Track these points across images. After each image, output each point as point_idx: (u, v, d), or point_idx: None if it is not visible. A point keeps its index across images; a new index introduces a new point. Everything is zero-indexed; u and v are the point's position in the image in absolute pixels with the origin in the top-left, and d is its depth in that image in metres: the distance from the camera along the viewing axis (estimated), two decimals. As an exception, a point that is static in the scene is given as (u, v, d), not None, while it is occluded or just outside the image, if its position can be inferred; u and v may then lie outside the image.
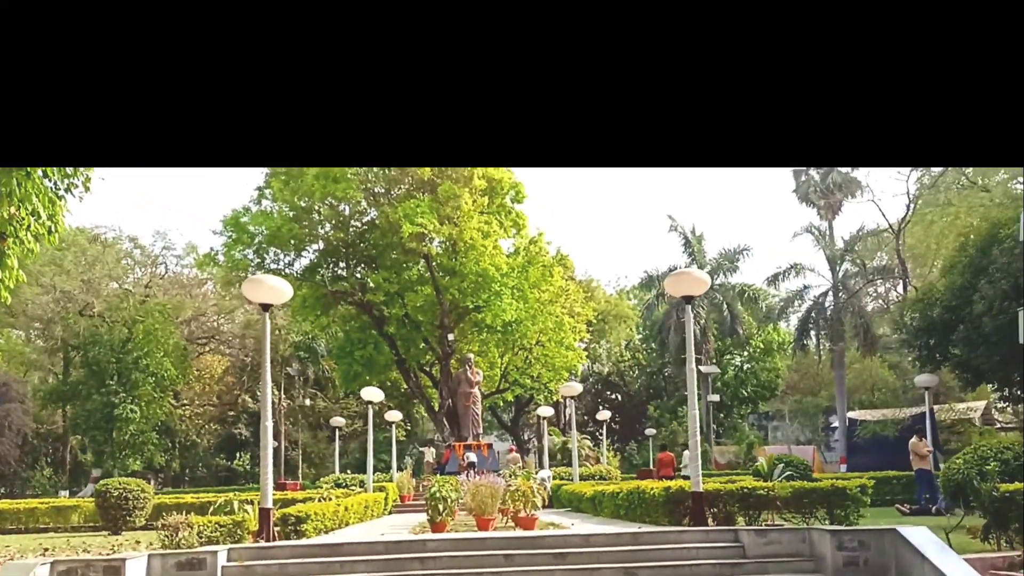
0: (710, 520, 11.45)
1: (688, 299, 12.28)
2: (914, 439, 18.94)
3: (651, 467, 32.76)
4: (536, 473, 21.85)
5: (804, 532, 10.31)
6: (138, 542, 13.05)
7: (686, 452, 27.86)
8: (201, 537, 10.52)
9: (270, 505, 11.11)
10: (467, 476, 14.55)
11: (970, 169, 36.97)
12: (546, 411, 31.02)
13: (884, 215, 39.02)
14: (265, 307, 11.52)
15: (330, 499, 17.13)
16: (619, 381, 62.13)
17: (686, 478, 23.09)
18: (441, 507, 12.45)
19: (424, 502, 20.84)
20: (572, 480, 22.66)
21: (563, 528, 12.65)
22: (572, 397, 23.30)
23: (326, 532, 13.79)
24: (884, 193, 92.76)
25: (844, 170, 47.23)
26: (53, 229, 9.59)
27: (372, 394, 22.34)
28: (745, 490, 11.53)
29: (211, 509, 13.06)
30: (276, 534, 11.37)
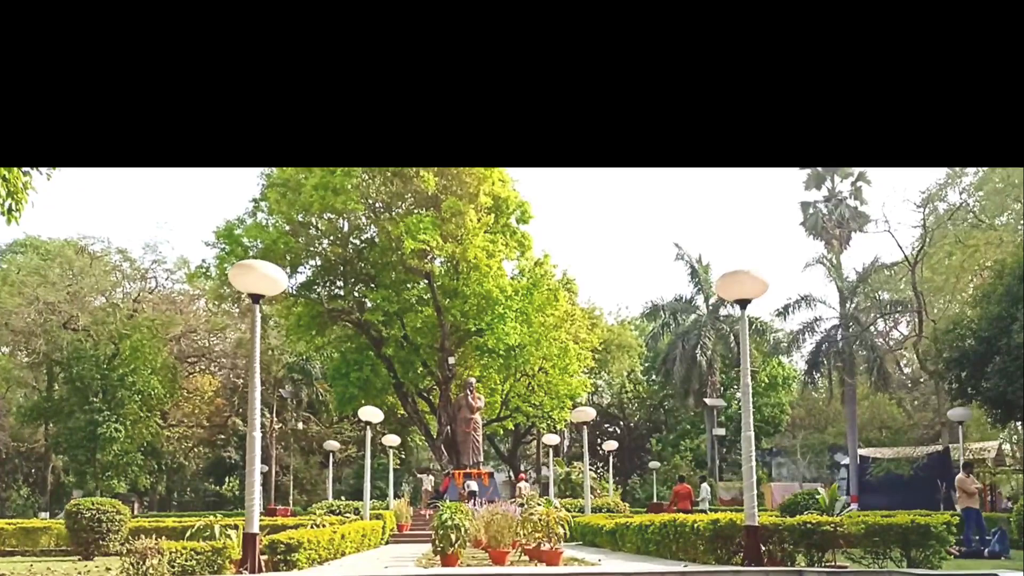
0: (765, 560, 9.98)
1: (743, 304, 10.82)
2: (961, 475, 17.44)
3: (658, 500, 31.08)
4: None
5: (883, 576, 8.85)
6: (108, 569, 11.47)
7: (704, 485, 26.29)
8: (174, 566, 8.99)
9: (256, 530, 9.55)
10: (473, 505, 13.06)
11: (977, 205, 36.02)
12: (551, 439, 29.44)
13: (900, 246, 36.99)
14: (255, 298, 10.10)
15: (324, 526, 15.55)
16: (619, 413, 60.50)
17: (703, 511, 21.56)
18: (453, 537, 10.88)
19: (424, 532, 19.24)
20: (584, 512, 21.02)
21: (592, 565, 11.13)
22: (585, 423, 21.71)
23: (320, 563, 12.23)
24: (900, 224, 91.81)
25: (852, 204, 46.23)
26: (14, 207, 8.44)
27: (370, 414, 20.79)
28: (808, 525, 10.03)
29: (188, 534, 11.50)
30: (263, 564, 9.84)
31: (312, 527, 15.16)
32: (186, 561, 9.15)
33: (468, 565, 11.33)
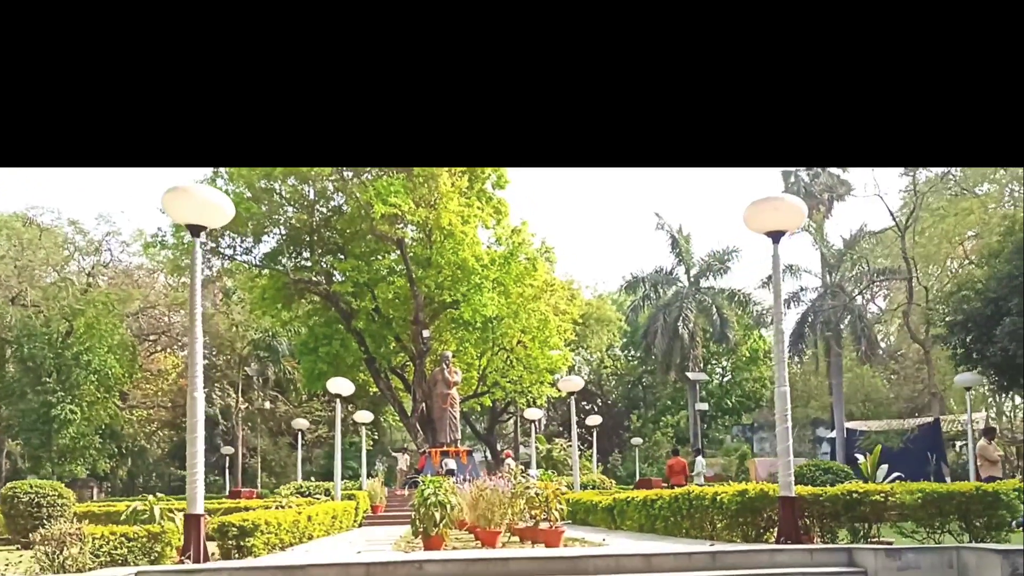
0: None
1: (776, 237, 9.18)
2: (982, 442, 16.17)
3: (645, 477, 29.70)
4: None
5: (953, 552, 7.38)
6: (19, 560, 9.74)
7: (699, 458, 24.92)
8: (100, 555, 7.30)
9: (200, 511, 7.84)
10: (456, 482, 11.50)
11: (959, 173, 35.09)
12: (534, 413, 27.94)
13: (891, 212, 35.83)
14: (195, 231, 8.40)
15: (289, 507, 13.91)
16: (597, 390, 59.30)
17: (699, 486, 20.23)
18: (438, 516, 9.25)
19: (401, 513, 17.78)
20: (573, 488, 19.49)
21: (597, 546, 9.61)
22: (572, 393, 20.16)
23: (283, 548, 10.59)
24: (891, 188, 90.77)
25: (835, 171, 45.08)
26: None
27: (340, 386, 19.09)
28: (854, 495, 8.55)
29: (123, 516, 9.79)
30: (211, 551, 8.19)
31: (276, 509, 13.52)
32: (115, 549, 7.48)
33: (454, 548, 9.78)
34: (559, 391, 42.49)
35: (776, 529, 8.73)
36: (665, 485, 21.14)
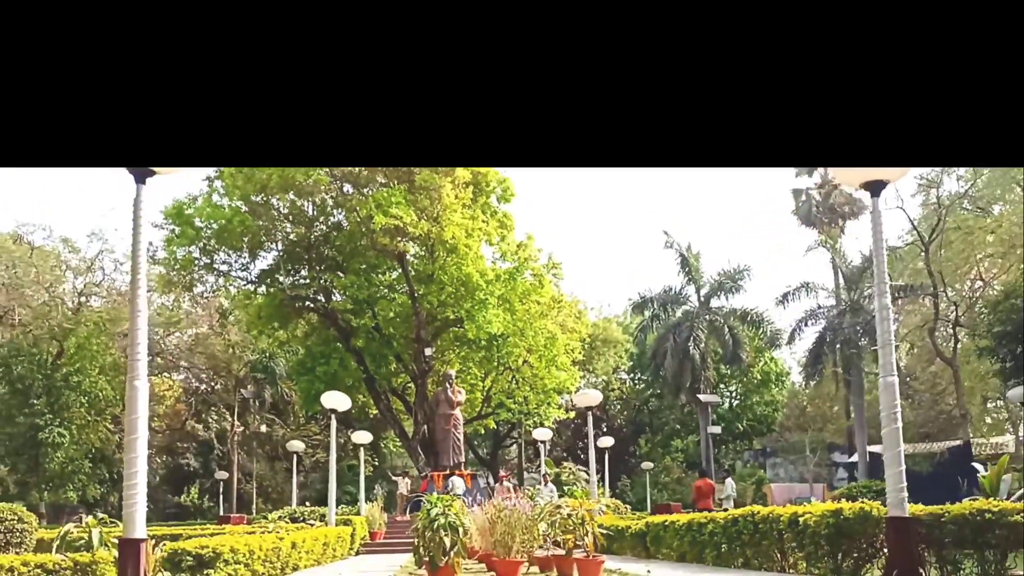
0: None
1: (875, 190, 7.38)
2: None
3: (666, 502, 28.00)
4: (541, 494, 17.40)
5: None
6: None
7: (728, 480, 23.31)
8: (18, 590, 5.85)
9: (141, 535, 6.28)
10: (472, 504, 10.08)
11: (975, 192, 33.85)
12: (544, 433, 26.41)
13: (914, 225, 34.44)
14: (139, 177, 6.77)
15: (277, 533, 12.41)
16: (602, 415, 57.67)
17: (724, 510, 18.65)
18: (448, 542, 7.74)
19: (401, 540, 16.30)
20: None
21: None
22: (590, 408, 18.62)
23: (259, 581, 9.11)
24: (914, 201, 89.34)
25: (848, 189, 43.79)
26: None
27: (335, 400, 17.61)
28: (986, 516, 6.91)
29: (55, 544, 8.29)
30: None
31: (260, 535, 12.03)
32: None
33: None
34: (566, 412, 41.02)
35: (882, 561, 7.06)
36: (685, 511, 19.56)
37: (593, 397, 18.57)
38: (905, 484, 6.68)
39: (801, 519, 7.94)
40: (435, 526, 7.70)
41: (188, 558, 7.16)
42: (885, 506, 7.09)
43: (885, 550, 7.24)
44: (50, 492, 38.90)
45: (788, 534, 8.15)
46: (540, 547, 9.35)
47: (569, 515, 8.32)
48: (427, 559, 7.97)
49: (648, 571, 9.17)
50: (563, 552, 8.48)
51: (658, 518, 13.50)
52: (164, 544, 7.24)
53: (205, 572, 7.20)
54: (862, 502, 8.00)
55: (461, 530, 7.78)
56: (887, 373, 7.08)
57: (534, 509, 8.77)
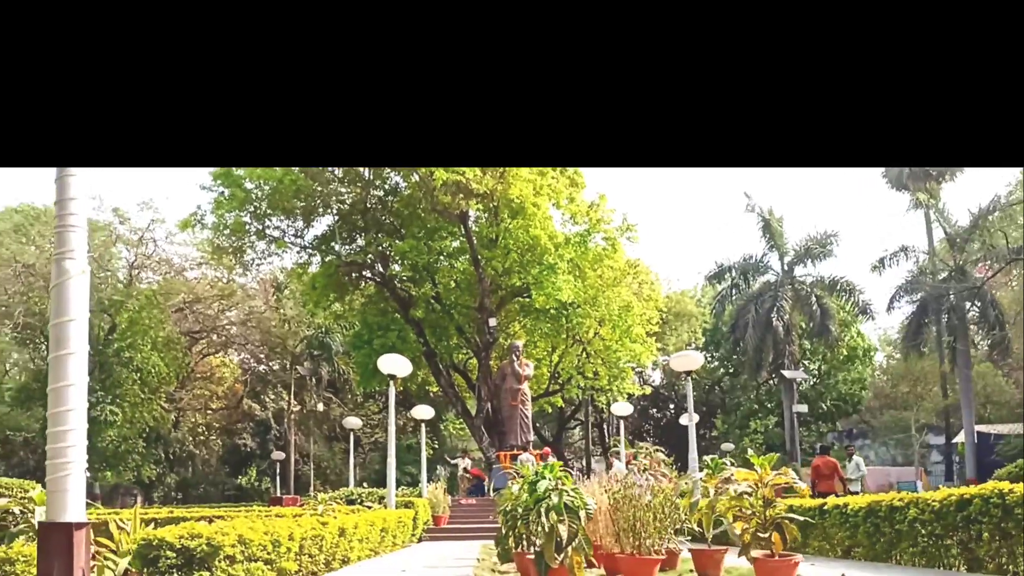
0: None
1: None
2: None
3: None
4: (611, 469, 15.01)
5: None
6: None
7: (856, 458, 20.34)
8: None
9: (74, 518, 3.67)
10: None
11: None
12: (624, 408, 23.75)
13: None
14: None
15: (320, 517, 10.07)
16: (671, 395, 54.68)
17: (854, 493, 15.82)
18: (565, 534, 5.13)
19: (468, 527, 13.94)
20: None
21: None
22: (689, 372, 15.71)
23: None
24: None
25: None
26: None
27: (394, 364, 15.27)
28: None
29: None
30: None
31: (310, 516, 9.71)
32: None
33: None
34: (640, 387, 38.21)
35: None
36: (815, 493, 16.68)
37: (694, 360, 15.81)
38: None
39: None
40: (543, 508, 5.10)
41: (168, 553, 4.68)
42: None
43: None
44: (103, 472, 37.67)
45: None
46: (666, 538, 6.81)
47: (743, 493, 5.71)
48: (528, 554, 5.38)
49: (843, 574, 6.55)
50: (713, 548, 5.89)
51: (807, 501, 10.74)
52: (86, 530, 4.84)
53: (194, 571, 4.72)
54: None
55: (583, 513, 5.18)
56: None
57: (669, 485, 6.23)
